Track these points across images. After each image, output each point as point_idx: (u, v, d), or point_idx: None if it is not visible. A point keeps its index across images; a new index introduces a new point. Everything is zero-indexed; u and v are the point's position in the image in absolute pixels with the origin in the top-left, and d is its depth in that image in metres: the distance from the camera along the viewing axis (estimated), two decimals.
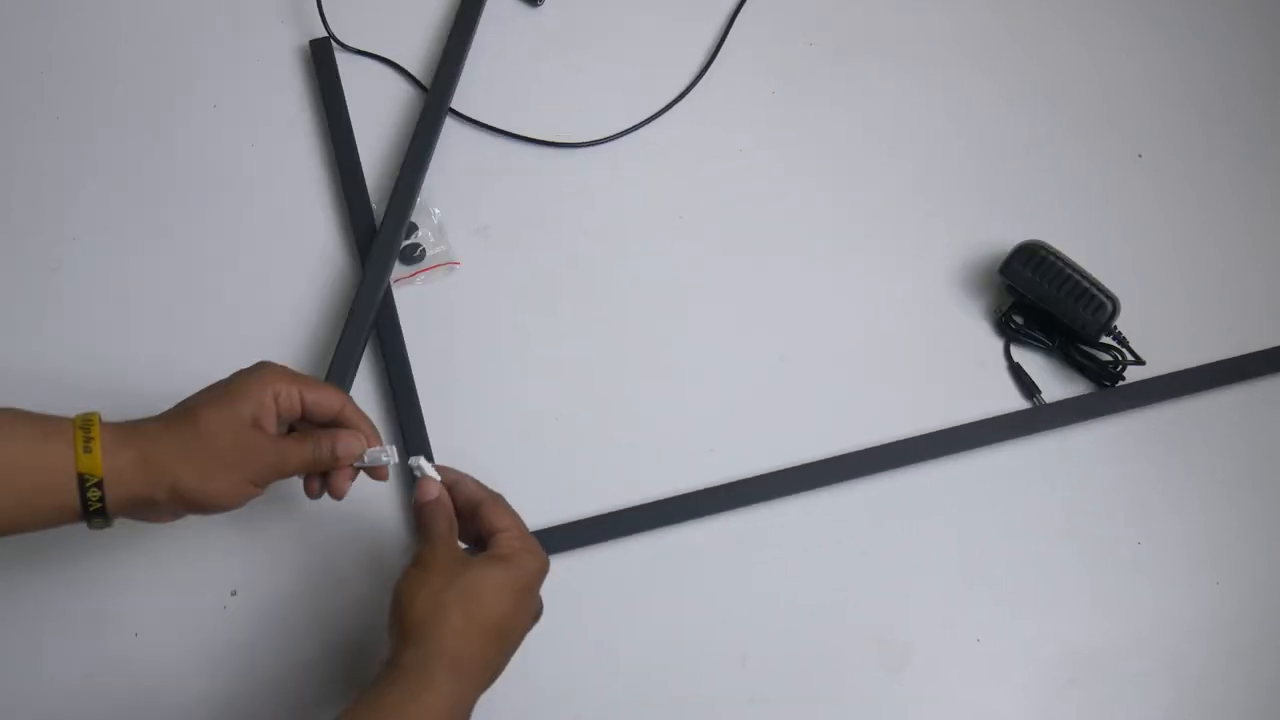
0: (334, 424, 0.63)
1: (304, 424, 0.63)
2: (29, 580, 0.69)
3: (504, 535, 0.60)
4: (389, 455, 0.63)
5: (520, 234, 0.84)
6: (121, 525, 0.58)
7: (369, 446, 0.62)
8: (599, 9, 0.94)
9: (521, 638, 0.60)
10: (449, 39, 0.88)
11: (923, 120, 0.92)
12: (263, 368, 0.61)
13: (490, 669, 0.58)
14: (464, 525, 0.63)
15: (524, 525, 0.62)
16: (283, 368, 0.61)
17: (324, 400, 0.62)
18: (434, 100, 0.85)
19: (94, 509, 0.55)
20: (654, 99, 0.90)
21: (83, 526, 0.56)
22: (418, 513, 0.62)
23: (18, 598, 0.68)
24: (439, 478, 0.63)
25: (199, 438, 0.57)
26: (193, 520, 0.59)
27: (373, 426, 0.64)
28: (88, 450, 0.55)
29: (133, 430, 0.57)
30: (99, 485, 0.55)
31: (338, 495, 0.63)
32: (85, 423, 0.56)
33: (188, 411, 0.58)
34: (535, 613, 0.61)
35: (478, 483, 0.64)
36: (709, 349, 0.81)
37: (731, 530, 0.75)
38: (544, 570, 0.61)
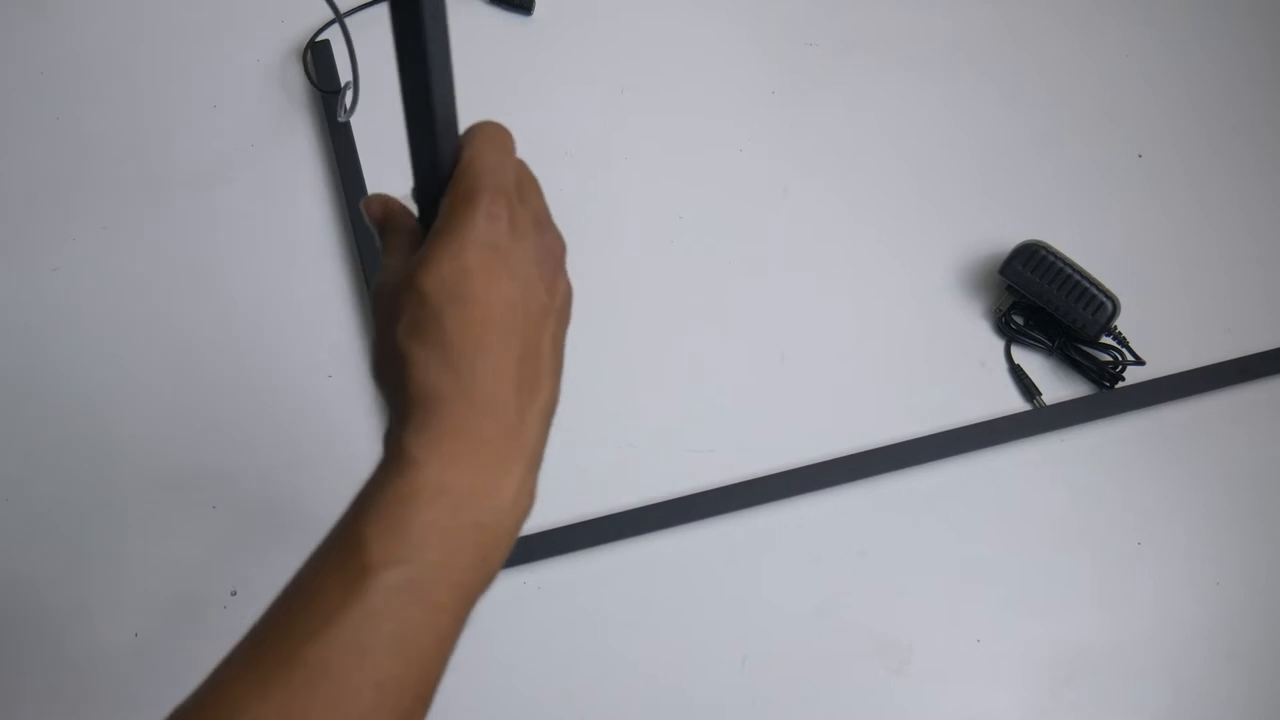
0: None
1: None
2: (28, 580, 0.69)
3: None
4: None
5: None
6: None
7: None
8: (592, 14, 0.93)
9: (513, 310, 0.38)
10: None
11: (923, 120, 0.92)
12: None
13: (497, 378, 0.37)
14: None
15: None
16: None
17: None
18: None
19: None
20: (652, 100, 0.90)
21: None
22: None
23: (17, 597, 0.68)
24: None
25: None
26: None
27: None
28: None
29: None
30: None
31: None
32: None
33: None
34: (529, 278, 0.39)
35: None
36: (709, 349, 0.81)
37: (731, 532, 0.75)
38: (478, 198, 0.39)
